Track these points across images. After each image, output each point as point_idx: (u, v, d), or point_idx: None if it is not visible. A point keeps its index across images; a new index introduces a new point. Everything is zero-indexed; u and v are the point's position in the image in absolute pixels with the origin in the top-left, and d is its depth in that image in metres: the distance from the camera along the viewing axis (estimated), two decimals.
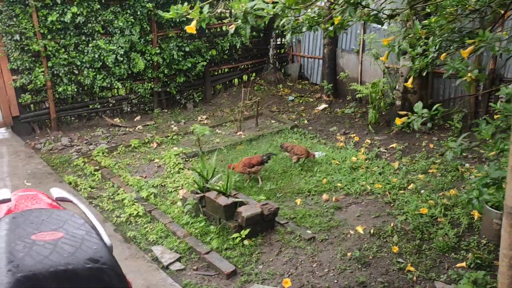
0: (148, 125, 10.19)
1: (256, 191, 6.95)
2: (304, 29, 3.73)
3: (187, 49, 10.70)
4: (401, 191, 6.87)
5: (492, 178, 3.72)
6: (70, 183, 7.25)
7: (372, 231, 5.85)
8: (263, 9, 2.97)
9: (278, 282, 4.90)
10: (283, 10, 2.97)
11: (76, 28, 9.42)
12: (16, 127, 9.49)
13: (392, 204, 6.56)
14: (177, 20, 10.32)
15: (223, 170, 7.69)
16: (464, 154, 8.08)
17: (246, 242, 5.57)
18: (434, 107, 3.97)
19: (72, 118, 10.25)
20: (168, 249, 5.54)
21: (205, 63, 11.10)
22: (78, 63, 9.51)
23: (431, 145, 8.51)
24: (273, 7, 2.96)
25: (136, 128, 10.05)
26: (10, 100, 9.20)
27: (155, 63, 10.51)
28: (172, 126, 10.12)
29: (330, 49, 11.28)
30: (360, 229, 5.91)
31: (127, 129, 10.03)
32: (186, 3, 3.36)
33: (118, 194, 6.91)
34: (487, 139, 4.38)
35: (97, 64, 9.71)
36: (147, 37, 10.28)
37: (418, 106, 3.88)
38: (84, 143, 9.24)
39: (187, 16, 3.24)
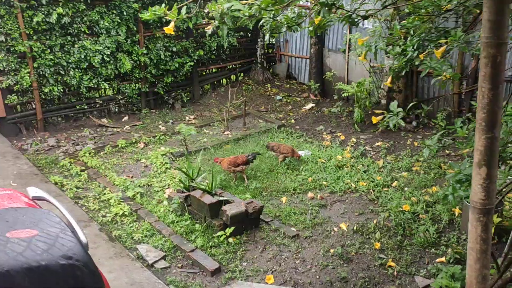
0: (136, 125, 10.21)
1: (242, 190, 7.01)
2: (283, 29, 3.79)
3: (174, 49, 10.73)
4: (385, 189, 6.97)
5: (466, 175, 3.81)
6: (56, 183, 7.26)
7: (355, 228, 5.94)
8: (239, 10, 3.03)
9: (262, 278, 4.97)
10: (259, 11, 3.03)
11: (61, 28, 9.41)
12: (3, 128, 9.45)
13: (375, 202, 6.66)
14: (164, 21, 10.32)
15: (209, 169, 7.74)
16: (447, 152, 8.24)
17: (231, 240, 5.63)
18: (410, 106, 4.04)
19: (59, 119, 10.24)
20: (153, 247, 5.58)
21: (192, 63, 11.14)
22: (64, 63, 9.50)
23: (416, 143, 8.64)
24: (249, 9, 3.02)
25: (124, 128, 10.06)
26: None
27: (142, 64, 10.53)
28: (160, 126, 10.14)
29: (317, 49, 11.38)
30: (343, 226, 6.00)
31: (115, 129, 10.03)
32: (169, 4, 3.41)
33: (104, 194, 6.93)
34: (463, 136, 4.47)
35: (84, 64, 9.70)
36: (134, 38, 10.30)
37: (394, 105, 3.97)
38: (71, 144, 9.24)
39: (166, 18, 3.29)
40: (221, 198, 6.04)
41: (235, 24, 3.34)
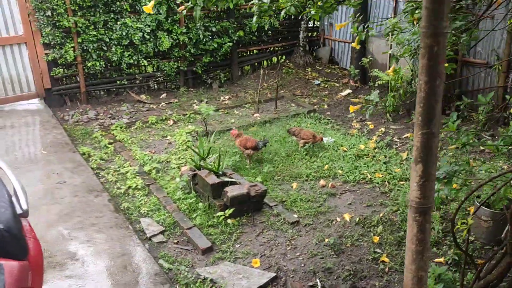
0: (171, 103, 10.49)
1: (255, 172, 7.04)
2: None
3: (214, 29, 10.83)
4: (402, 182, 6.71)
5: (445, 171, 3.58)
6: (83, 154, 7.68)
7: (358, 219, 5.80)
8: None
9: (249, 262, 5.01)
10: None
11: (105, 5, 9.80)
12: (48, 98, 10.09)
13: (388, 195, 6.44)
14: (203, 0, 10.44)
15: (226, 149, 7.84)
16: (482, 148, 7.76)
17: (229, 221, 5.71)
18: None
19: (101, 93, 10.75)
20: (155, 222, 5.79)
21: (231, 44, 11.19)
22: (107, 40, 9.91)
23: (449, 138, 8.17)
24: None
25: (160, 105, 10.38)
26: (42, 72, 9.78)
27: (182, 43, 10.73)
28: (194, 105, 10.35)
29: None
30: (347, 217, 5.87)
31: (151, 106, 10.38)
32: None
33: (124, 167, 7.24)
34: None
35: (125, 41, 10.07)
36: (174, 17, 10.50)
37: (374, 93, 3.79)
38: (108, 117, 9.69)
39: None
40: (225, 179, 6.11)
41: (208, 5, 3.33)
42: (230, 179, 6.17)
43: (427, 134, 2.36)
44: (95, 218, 5.63)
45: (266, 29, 11.83)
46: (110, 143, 8.14)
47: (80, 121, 9.45)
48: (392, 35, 10.41)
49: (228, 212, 5.70)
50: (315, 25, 12.89)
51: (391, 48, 10.49)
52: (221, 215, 5.73)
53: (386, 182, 6.73)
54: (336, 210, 6.11)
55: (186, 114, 9.50)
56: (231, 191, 5.79)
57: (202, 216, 5.85)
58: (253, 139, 7.37)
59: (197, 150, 6.66)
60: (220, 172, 6.26)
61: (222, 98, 10.81)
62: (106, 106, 10.34)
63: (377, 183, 6.74)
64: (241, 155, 7.63)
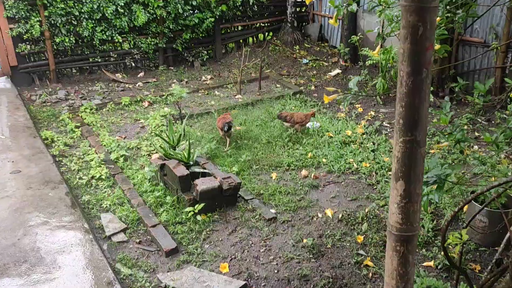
0: (149, 82, 9.81)
1: (232, 161, 6.47)
2: None
3: (194, 2, 10.08)
4: (390, 173, 6.16)
5: (436, 175, 3.02)
6: (46, 139, 7.05)
7: (341, 215, 5.27)
8: None
9: (217, 266, 4.48)
10: None
11: None
12: (15, 77, 9.37)
13: (375, 187, 5.90)
14: None
15: (206, 135, 7.25)
16: (477, 134, 7.24)
17: (199, 217, 5.15)
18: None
19: (74, 71, 10.04)
20: (117, 218, 5.22)
21: (213, 19, 10.45)
22: (76, 13, 9.16)
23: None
24: None
25: (136, 85, 9.70)
26: (7, 49, 9.04)
27: (159, 17, 9.99)
28: (173, 85, 9.66)
29: None
30: (329, 213, 5.34)
31: (127, 86, 9.70)
32: None
33: (89, 154, 6.64)
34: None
35: (97, 15, 9.32)
36: None
37: (353, 81, 3.19)
38: (79, 98, 9.02)
39: None
40: (196, 170, 5.54)
41: None
42: (201, 170, 5.60)
43: (411, 142, 1.78)
44: (48, 214, 5.04)
45: (251, 3, 11.08)
46: (77, 127, 7.51)
47: (48, 102, 8.77)
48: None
49: (198, 207, 5.14)
50: (303, 0, 12.14)
51: (382, 25, 9.83)
52: (190, 211, 5.17)
53: (373, 173, 6.19)
54: (318, 205, 5.56)
55: (163, 95, 8.84)
56: (201, 184, 5.22)
57: (170, 211, 5.29)
58: (226, 119, 6.78)
59: (166, 137, 6.05)
60: (191, 162, 5.67)
61: (203, 77, 10.13)
62: (78, 85, 9.64)
63: (364, 173, 6.19)
64: (218, 140, 7.05)
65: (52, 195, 5.42)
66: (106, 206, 5.46)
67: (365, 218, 5.22)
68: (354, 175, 6.18)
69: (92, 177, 6.06)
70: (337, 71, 10.16)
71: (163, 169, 5.75)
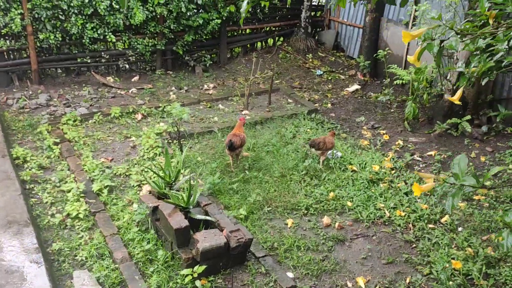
0: (143, 88, 8.66)
1: (239, 200, 5.36)
2: None
3: (200, 1, 8.91)
4: (431, 225, 5.10)
5: None
6: (17, 158, 5.90)
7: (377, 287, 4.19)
8: None
9: None
10: None
11: None
12: None
13: (414, 245, 4.83)
14: None
15: (208, 161, 6.14)
16: None
17: (198, 283, 4.05)
18: None
19: (59, 72, 8.87)
20: (94, 279, 4.10)
21: (220, 21, 9.30)
22: (64, 7, 7.97)
23: (483, 158, 6.57)
24: None
25: (130, 91, 8.55)
26: None
27: (159, 16, 8.83)
28: (171, 93, 8.54)
29: (373, 18, 9.21)
30: (361, 282, 4.26)
31: (119, 91, 8.55)
32: None
33: (67, 182, 5.50)
34: None
35: (88, 10, 8.13)
36: None
37: (460, 164, 2.12)
38: (62, 104, 7.86)
39: None
40: (197, 217, 4.44)
41: None
42: (203, 218, 4.49)
43: None
44: (4, 278, 3.91)
45: (262, 5, 9.92)
46: (56, 143, 6.35)
47: (26, 108, 7.61)
48: (413, 24, 8.68)
49: (198, 270, 4.04)
50: (320, 3, 11.02)
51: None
52: (188, 274, 4.06)
53: (410, 225, 5.12)
54: (346, 267, 4.48)
55: (160, 107, 7.69)
56: (204, 241, 4.12)
57: (162, 272, 4.18)
58: (235, 136, 5.83)
59: (161, 170, 4.92)
60: (191, 207, 4.55)
61: (206, 86, 8.99)
62: (63, 88, 8.48)
63: (399, 225, 5.11)
64: (223, 169, 5.96)
65: (15, 243, 4.27)
66: (81, 259, 4.34)
67: None
68: (387, 227, 5.10)
69: (68, 215, 4.93)
70: (356, 86, 9.06)
71: (155, 212, 4.63)
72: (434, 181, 2.41)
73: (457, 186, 2.18)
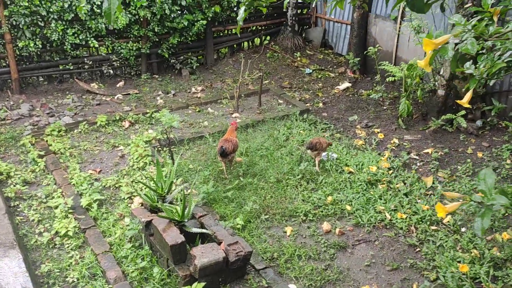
0: (129, 94, 8.40)
1: (234, 208, 5.16)
2: None
3: (183, 2, 8.67)
4: (433, 227, 4.96)
5: None
6: (0, 174, 5.63)
7: None
8: None
9: None
10: None
11: None
12: None
13: (418, 249, 4.69)
14: None
15: (200, 168, 5.93)
16: None
17: None
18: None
19: (41, 80, 8.57)
20: None
21: (205, 22, 9.08)
22: (44, 13, 7.68)
23: (480, 154, 6.46)
24: None
25: (115, 97, 8.28)
26: None
27: (143, 19, 8.57)
28: (158, 98, 8.30)
29: (361, 14, 9.05)
30: None
31: (104, 98, 8.28)
32: None
33: (53, 197, 5.25)
34: None
35: (68, 15, 7.85)
36: None
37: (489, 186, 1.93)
38: (46, 114, 7.57)
39: None
40: (193, 230, 4.24)
41: None
42: (199, 231, 4.29)
43: None
44: None
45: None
46: (40, 156, 6.09)
47: (8, 119, 7.31)
48: (402, 18, 8.55)
49: (197, 287, 3.84)
50: (305, 1, 10.84)
51: (398, 32, 8.62)
52: None
53: (413, 227, 4.97)
54: (350, 276, 4.32)
55: (147, 113, 7.45)
56: (201, 257, 3.91)
57: None
58: (227, 141, 5.67)
59: (153, 183, 4.71)
60: (186, 220, 4.35)
61: (193, 89, 8.77)
62: (46, 97, 8.18)
63: (401, 228, 4.97)
64: (216, 177, 5.76)
65: (2, 265, 4.03)
66: (73, 281, 4.11)
67: None
68: (389, 231, 4.95)
69: (56, 233, 4.69)
70: (347, 84, 8.91)
71: (149, 227, 4.42)
72: (459, 200, 2.24)
73: (486, 205, 2.00)
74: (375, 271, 4.39)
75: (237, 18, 2.64)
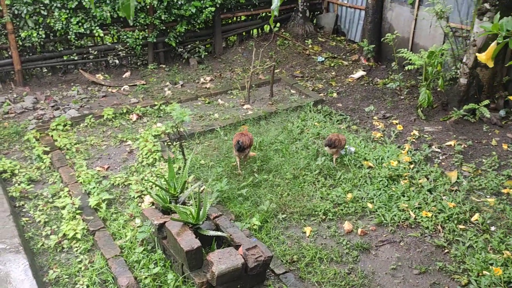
0: (136, 85, 8.11)
1: (250, 208, 4.90)
2: None
3: None
4: (461, 226, 4.69)
5: None
6: (4, 172, 5.39)
7: None
8: None
9: None
10: None
11: None
12: None
13: (446, 250, 4.42)
14: None
15: (212, 164, 5.67)
16: None
17: None
18: None
19: (44, 71, 8.29)
20: None
21: (213, 9, 8.73)
22: (47, 1, 7.38)
23: (505, 146, 6.15)
24: None
25: (121, 89, 8.00)
26: None
27: (149, 6, 8.24)
28: (166, 89, 8.01)
29: None
30: None
31: (110, 90, 8.00)
32: None
33: (60, 197, 5.01)
34: None
35: (71, 3, 7.54)
36: None
37: None
38: (50, 106, 7.31)
39: None
40: (209, 233, 3.99)
41: None
42: (215, 234, 4.03)
43: None
44: None
45: None
46: (46, 152, 5.84)
47: (11, 113, 7.06)
48: (421, 2, 8.16)
49: None
50: None
51: (416, 17, 8.25)
52: None
53: (439, 227, 4.70)
54: (376, 281, 4.07)
55: (155, 105, 7.17)
56: (219, 263, 3.66)
57: None
58: (243, 135, 5.45)
59: (164, 181, 4.44)
60: (201, 223, 4.09)
61: (202, 79, 8.46)
62: (50, 89, 7.91)
63: (427, 227, 4.69)
64: (229, 173, 5.50)
65: (1, 276, 3.79)
66: None
67: None
68: (414, 230, 4.68)
69: (64, 235, 4.45)
70: (361, 73, 8.57)
71: (161, 230, 4.17)
72: None
73: None
74: (402, 275, 4.14)
75: (272, 7, 2.35)
